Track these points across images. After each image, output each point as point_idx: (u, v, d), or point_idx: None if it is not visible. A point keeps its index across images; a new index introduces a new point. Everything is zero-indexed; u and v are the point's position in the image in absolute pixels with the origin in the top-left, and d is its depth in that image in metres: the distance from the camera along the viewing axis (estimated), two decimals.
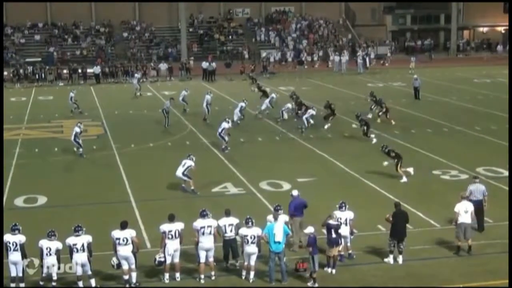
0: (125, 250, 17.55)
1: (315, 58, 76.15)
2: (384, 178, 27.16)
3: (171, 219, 18.11)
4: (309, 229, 18.19)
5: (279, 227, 18.04)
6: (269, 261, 18.13)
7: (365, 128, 34.86)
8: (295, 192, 20.72)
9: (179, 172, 26.02)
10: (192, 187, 25.92)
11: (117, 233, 17.62)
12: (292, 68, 70.87)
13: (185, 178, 25.99)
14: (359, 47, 78.29)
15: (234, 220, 18.49)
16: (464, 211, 19.55)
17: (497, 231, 21.09)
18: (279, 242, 17.92)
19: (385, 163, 27.60)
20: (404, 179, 27.08)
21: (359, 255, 19.52)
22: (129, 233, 17.70)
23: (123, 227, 17.74)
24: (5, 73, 63.66)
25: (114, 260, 17.71)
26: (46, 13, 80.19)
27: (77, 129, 32.08)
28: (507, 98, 44.45)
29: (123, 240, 17.53)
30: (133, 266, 17.62)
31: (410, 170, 27.60)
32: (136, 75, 57.73)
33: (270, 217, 18.82)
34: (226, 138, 32.74)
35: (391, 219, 19.25)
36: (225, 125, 32.85)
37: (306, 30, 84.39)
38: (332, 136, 36.14)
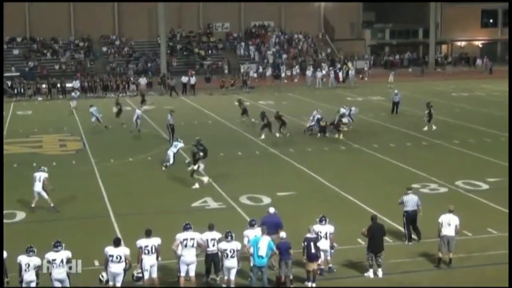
0: (117, 268, 17.43)
1: (294, 73, 76.33)
2: (363, 192, 27.22)
3: (148, 234, 18.02)
4: (282, 234, 18.32)
5: (264, 241, 18.02)
6: (251, 274, 18.15)
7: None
8: (271, 210, 20.47)
9: (38, 187, 25.37)
10: (52, 204, 25.37)
11: (110, 250, 17.49)
12: (271, 82, 71.02)
13: (44, 194, 25.34)
14: (338, 62, 78.67)
15: (217, 235, 18.41)
16: (448, 224, 19.61)
17: (476, 244, 21.17)
18: (262, 257, 17.90)
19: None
20: (197, 185, 28.20)
21: (339, 269, 19.52)
22: (123, 250, 17.57)
23: (116, 244, 17.61)
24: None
25: (104, 276, 17.56)
26: (25, 27, 79.95)
27: None
28: (485, 111, 44.83)
29: (117, 258, 17.41)
30: (118, 284, 17.51)
31: (205, 179, 28.55)
32: (74, 94, 56.45)
33: (246, 232, 18.84)
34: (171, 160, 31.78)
35: (366, 233, 19.30)
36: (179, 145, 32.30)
37: (286, 44, 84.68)
38: (312, 150, 36.18)
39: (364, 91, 62.66)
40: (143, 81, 66.44)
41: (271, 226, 19.32)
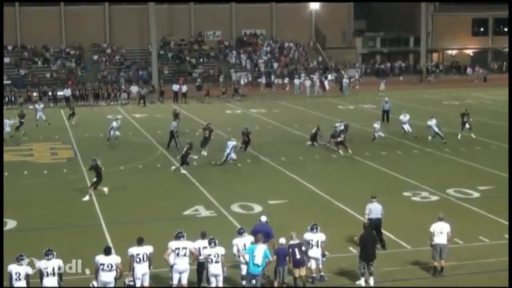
0: (107, 276, 17.38)
1: (285, 81, 76.39)
2: (355, 200, 27.20)
3: (140, 242, 18.00)
4: (281, 240, 18.39)
5: (260, 250, 18.05)
6: (242, 282, 18.20)
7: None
8: (263, 218, 20.49)
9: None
10: None
11: (101, 259, 17.45)
12: (262, 90, 71.06)
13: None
14: (330, 70, 78.87)
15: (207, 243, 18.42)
16: (439, 232, 19.63)
17: (467, 252, 21.22)
18: (258, 265, 17.92)
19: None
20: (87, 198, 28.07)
21: (331, 277, 19.53)
22: (114, 259, 17.54)
23: (107, 252, 17.58)
24: None
25: (94, 284, 17.51)
26: (16, 35, 79.81)
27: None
28: (476, 120, 44.84)
29: (108, 266, 17.37)
30: None
31: (105, 189, 28.77)
32: (37, 106, 51.92)
33: (235, 241, 18.85)
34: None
35: (358, 241, 19.34)
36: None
37: (277, 52, 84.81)
38: (303, 158, 36.23)
39: (355, 99, 62.80)
40: (134, 89, 66.43)
41: (263, 235, 19.33)
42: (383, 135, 40.46)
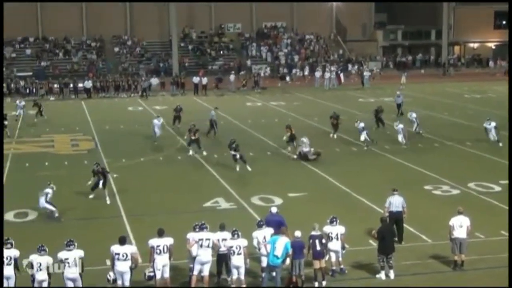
0: (123, 266, 17.49)
1: (306, 73, 76.22)
2: (375, 193, 27.11)
3: (160, 234, 18.06)
4: (297, 233, 18.39)
5: (281, 242, 18.06)
6: (262, 274, 18.23)
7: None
8: (273, 209, 20.65)
9: (42, 202, 25.00)
10: (57, 214, 25.07)
11: (116, 248, 17.56)
12: (284, 83, 70.91)
13: (50, 206, 25.07)
14: (351, 62, 78.67)
15: (228, 235, 18.44)
16: (459, 226, 19.54)
17: (489, 246, 21.12)
18: (277, 257, 17.93)
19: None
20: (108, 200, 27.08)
21: (351, 270, 19.51)
22: (129, 248, 17.70)
23: (122, 242, 17.68)
24: None
25: (111, 275, 17.60)
26: (37, 27, 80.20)
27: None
28: (497, 113, 44.56)
29: (123, 256, 17.48)
30: (127, 283, 17.55)
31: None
32: (18, 102, 49.54)
33: (255, 233, 18.92)
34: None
35: (376, 235, 19.31)
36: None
37: (298, 45, 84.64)
38: (324, 151, 36.11)
39: (376, 92, 62.54)
40: (154, 81, 66.61)
41: (275, 226, 19.40)
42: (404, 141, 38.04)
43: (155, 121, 39.51)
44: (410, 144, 37.30)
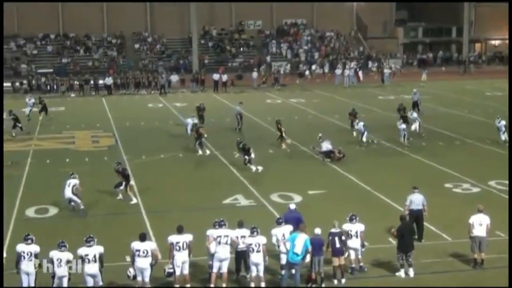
0: (143, 262, 17.58)
1: (326, 71, 76.02)
2: (395, 191, 27.07)
3: (180, 230, 18.14)
4: (317, 230, 18.42)
5: (301, 239, 18.07)
6: (282, 272, 18.26)
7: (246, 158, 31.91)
8: (292, 206, 20.79)
9: (68, 193, 25.27)
10: (82, 207, 25.28)
11: (137, 245, 17.65)
12: (304, 80, 70.79)
13: (75, 198, 25.28)
14: (372, 60, 78.43)
15: (246, 232, 18.49)
16: (479, 224, 19.49)
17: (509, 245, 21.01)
18: (297, 254, 17.94)
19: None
20: (134, 200, 26.79)
21: (370, 268, 19.50)
22: (149, 245, 17.78)
23: (142, 239, 17.77)
24: (17, 83, 64.15)
25: (131, 271, 17.70)
26: (58, 24, 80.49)
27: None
28: None
29: (143, 252, 17.57)
30: (147, 279, 17.65)
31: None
32: (28, 100, 48.28)
33: (274, 231, 19.00)
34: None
35: (396, 233, 19.27)
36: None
37: (318, 42, 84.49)
38: (343, 148, 36.06)
39: (396, 90, 62.30)
40: (174, 78, 66.75)
41: (293, 222, 19.43)
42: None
43: (189, 120, 39.01)
44: (430, 142, 37.20)
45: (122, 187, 26.93)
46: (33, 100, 48.40)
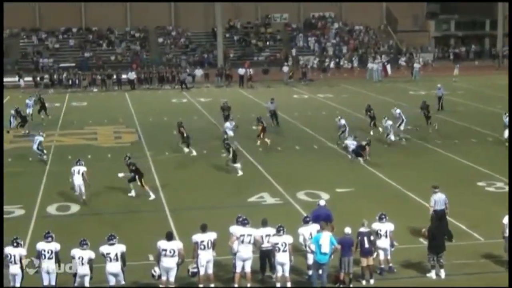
0: (170, 262, 17.56)
1: (355, 65, 75.75)
2: (426, 190, 26.81)
3: (204, 229, 18.11)
4: (346, 230, 18.35)
5: (325, 237, 18.00)
6: (309, 272, 18.24)
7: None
8: (322, 202, 20.84)
9: (79, 180, 26.03)
10: (84, 198, 25.99)
11: (163, 244, 17.63)
12: (331, 75, 70.59)
13: (83, 187, 26.05)
14: (402, 54, 78.04)
15: (271, 231, 18.41)
16: None
17: None
18: (325, 253, 17.89)
19: (120, 174, 27.55)
20: (152, 195, 26.81)
21: (400, 269, 19.39)
22: (176, 244, 17.74)
23: (169, 238, 17.76)
24: (37, 78, 64.55)
25: (156, 271, 17.70)
26: (80, 17, 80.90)
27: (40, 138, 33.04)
28: None
29: (170, 252, 17.54)
30: (172, 279, 17.65)
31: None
32: (28, 101, 45.36)
33: (300, 229, 18.95)
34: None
35: (426, 234, 19.14)
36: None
37: (346, 36, 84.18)
38: (372, 145, 35.89)
39: (427, 85, 61.82)
40: (199, 72, 66.85)
41: (324, 219, 19.38)
42: (392, 138, 36.49)
43: (227, 124, 37.71)
44: (462, 139, 36.97)
45: (137, 182, 27.03)
46: (33, 101, 46.12)
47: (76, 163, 26.57)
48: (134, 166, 27.32)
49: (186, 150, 34.18)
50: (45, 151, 33.17)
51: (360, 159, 32.21)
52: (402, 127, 37.43)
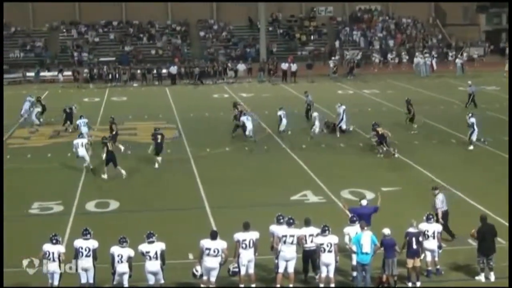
0: (213, 262, 17.57)
1: (404, 60, 75.15)
2: (474, 189, 26.64)
3: (246, 227, 18.11)
4: (385, 231, 18.23)
5: (366, 237, 17.95)
6: (354, 273, 18.22)
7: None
8: (364, 202, 20.73)
9: (83, 151, 30.04)
10: (91, 166, 29.85)
11: (207, 243, 17.62)
12: (378, 70, 70.19)
13: (87, 157, 30.04)
14: (452, 48, 77.34)
15: (314, 230, 18.38)
16: None
17: None
18: (366, 253, 17.82)
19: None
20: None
21: (448, 271, 19.23)
22: (221, 244, 17.68)
23: (213, 237, 17.74)
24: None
25: (198, 270, 17.71)
26: (121, 11, 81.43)
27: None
28: None
29: (214, 251, 17.53)
30: (213, 279, 17.68)
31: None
32: (28, 99, 44.59)
33: (346, 229, 18.87)
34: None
35: (476, 235, 18.93)
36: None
37: (394, 29, 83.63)
38: (419, 143, 35.65)
39: (477, 81, 61.16)
40: (241, 67, 66.90)
41: (367, 218, 19.39)
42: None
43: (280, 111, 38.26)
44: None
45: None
46: (33, 99, 44.59)
47: (78, 136, 30.87)
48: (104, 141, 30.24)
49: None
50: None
51: (384, 148, 32.76)
52: (474, 137, 35.11)
